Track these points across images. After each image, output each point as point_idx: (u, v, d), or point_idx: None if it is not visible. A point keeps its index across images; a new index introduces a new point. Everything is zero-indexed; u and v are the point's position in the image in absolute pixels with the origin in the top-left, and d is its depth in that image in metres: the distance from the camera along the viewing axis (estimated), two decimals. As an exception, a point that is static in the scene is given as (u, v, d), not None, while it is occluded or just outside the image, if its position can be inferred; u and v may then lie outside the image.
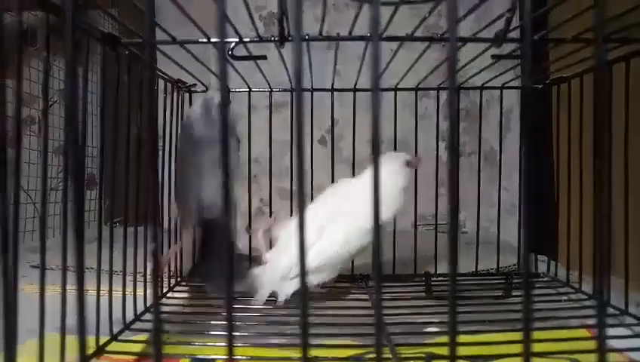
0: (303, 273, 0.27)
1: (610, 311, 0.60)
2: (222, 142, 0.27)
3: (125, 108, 0.57)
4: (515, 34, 0.56)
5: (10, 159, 0.34)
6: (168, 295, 0.71)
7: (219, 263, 0.59)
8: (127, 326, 0.55)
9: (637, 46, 0.57)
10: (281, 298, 0.63)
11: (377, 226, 0.26)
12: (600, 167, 0.27)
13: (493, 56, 0.63)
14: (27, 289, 0.39)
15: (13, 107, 0.37)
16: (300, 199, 0.28)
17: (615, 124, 0.59)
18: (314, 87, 0.82)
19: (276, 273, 0.64)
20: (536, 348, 0.48)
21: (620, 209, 0.60)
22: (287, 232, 0.68)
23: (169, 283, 0.75)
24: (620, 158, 0.60)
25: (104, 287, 0.51)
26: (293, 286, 0.63)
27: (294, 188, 0.82)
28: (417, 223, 0.87)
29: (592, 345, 0.50)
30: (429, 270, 0.79)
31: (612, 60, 0.60)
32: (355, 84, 0.80)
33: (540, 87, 0.79)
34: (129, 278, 0.57)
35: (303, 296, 0.28)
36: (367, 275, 0.80)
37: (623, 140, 0.60)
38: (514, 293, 0.68)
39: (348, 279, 0.80)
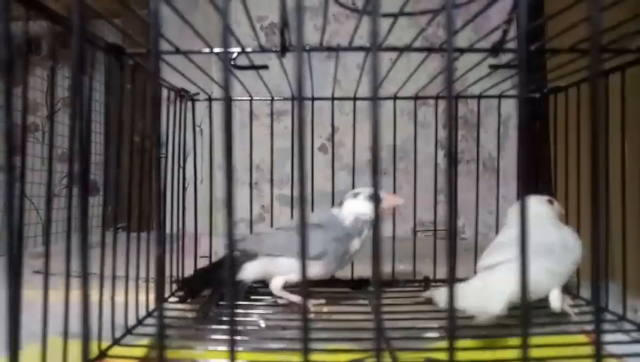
0: (304, 268, 0.28)
1: (608, 317, 0.61)
2: (226, 146, 0.28)
3: (129, 116, 0.58)
4: (512, 44, 0.57)
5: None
6: (170, 299, 0.71)
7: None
8: (129, 331, 0.56)
9: (632, 56, 0.58)
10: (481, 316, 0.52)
11: (377, 227, 0.27)
12: (596, 178, 0.28)
13: (490, 66, 0.64)
14: (30, 295, 0.39)
15: (18, 115, 0.38)
16: (301, 206, 0.29)
17: (612, 133, 0.60)
18: (314, 96, 0.83)
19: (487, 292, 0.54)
20: (535, 353, 0.49)
21: (618, 216, 0.61)
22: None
23: (171, 288, 0.75)
24: (617, 166, 0.60)
25: (107, 292, 0.52)
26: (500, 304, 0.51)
27: (295, 194, 0.83)
28: (416, 229, 0.88)
29: (590, 350, 0.51)
30: (428, 275, 0.79)
31: (608, 70, 0.61)
32: (355, 93, 0.81)
33: (537, 96, 0.80)
34: (131, 283, 0.57)
35: (304, 298, 0.29)
36: (367, 280, 0.80)
37: (619, 148, 0.61)
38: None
39: (347, 284, 0.80)
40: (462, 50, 0.58)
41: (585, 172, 0.67)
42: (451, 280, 0.31)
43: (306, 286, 0.29)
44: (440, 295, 0.59)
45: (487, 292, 0.53)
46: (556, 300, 0.59)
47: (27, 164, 1.25)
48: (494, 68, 0.64)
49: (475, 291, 0.54)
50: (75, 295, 0.36)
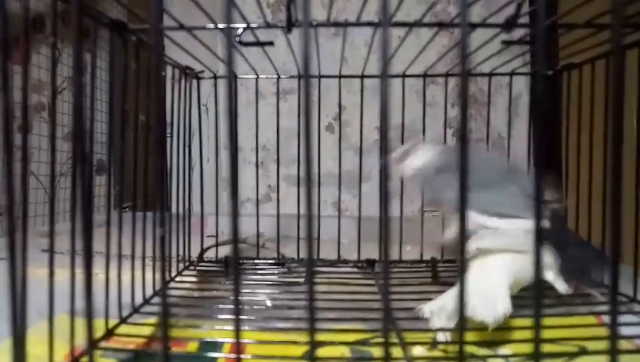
0: (310, 248, 0.27)
1: (619, 298, 0.60)
2: (228, 128, 0.27)
3: (133, 94, 0.57)
4: (525, 20, 0.55)
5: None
6: (177, 279, 0.71)
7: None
8: (136, 310, 0.56)
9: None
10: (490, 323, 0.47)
11: (385, 210, 0.26)
12: (616, 152, 0.27)
13: (503, 42, 0.62)
14: (37, 273, 0.39)
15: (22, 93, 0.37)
16: (307, 186, 0.28)
17: (626, 112, 0.59)
18: (321, 74, 0.82)
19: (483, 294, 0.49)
20: (544, 334, 0.49)
21: (630, 195, 0.60)
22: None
23: (177, 267, 0.75)
24: (631, 145, 0.59)
25: (113, 271, 0.52)
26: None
27: (302, 174, 0.82)
28: (424, 209, 0.87)
29: (600, 331, 0.50)
30: (435, 256, 0.79)
31: (625, 46, 0.59)
32: (363, 71, 0.80)
33: (550, 73, 0.78)
34: (138, 262, 0.57)
35: (310, 278, 0.28)
36: (374, 261, 0.80)
37: (633, 126, 0.59)
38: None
39: (354, 264, 0.80)
40: (475, 26, 0.57)
41: (598, 150, 0.65)
42: (462, 260, 0.30)
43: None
44: (433, 306, 0.51)
45: (488, 296, 0.48)
46: (559, 284, 0.58)
47: (34, 143, 1.25)
48: (507, 44, 0.62)
49: (475, 297, 0.48)
50: (82, 273, 0.36)
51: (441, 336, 0.49)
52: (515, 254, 0.53)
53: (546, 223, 0.54)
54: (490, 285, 0.50)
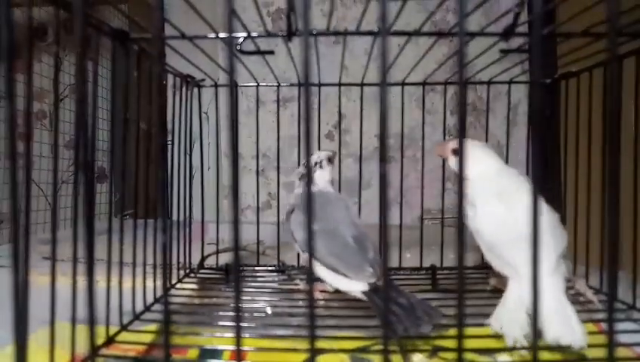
0: (311, 255, 0.27)
1: (618, 305, 0.60)
2: (229, 136, 0.28)
3: (135, 102, 0.58)
4: (523, 29, 0.56)
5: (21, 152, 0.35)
6: (177, 286, 0.72)
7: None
8: (136, 317, 0.56)
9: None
10: (509, 341, 0.49)
11: (384, 215, 0.26)
12: (613, 160, 0.27)
13: (501, 51, 0.63)
14: (39, 280, 0.39)
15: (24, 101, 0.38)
16: (308, 192, 0.29)
17: (623, 120, 0.59)
18: (321, 82, 0.82)
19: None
20: (543, 341, 0.49)
21: (628, 203, 0.60)
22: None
23: (178, 274, 0.75)
24: (628, 152, 0.59)
25: (114, 278, 0.52)
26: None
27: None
28: (424, 217, 0.87)
29: (599, 339, 0.50)
30: (434, 263, 0.79)
31: (622, 55, 0.60)
32: (363, 79, 0.80)
33: (548, 81, 0.78)
34: (139, 270, 0.58)
35: (309, 284, 0.29)
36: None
37: (631, 134, 0.60)
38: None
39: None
40: (473, 34, 0.57)
41: (596, 158, 0.66)
42: (461, 268, 0.30)
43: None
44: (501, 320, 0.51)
45: (562, 318, 0.48)
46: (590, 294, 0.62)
47: (35, 151, 1.26)
48: (505, 52, 0.63)
49: (550, 319, 0.48)
50: (83, 281, 0.36)
51: (518, 345, 0.48)
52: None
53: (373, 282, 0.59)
54: (556, 305, 0.49)
